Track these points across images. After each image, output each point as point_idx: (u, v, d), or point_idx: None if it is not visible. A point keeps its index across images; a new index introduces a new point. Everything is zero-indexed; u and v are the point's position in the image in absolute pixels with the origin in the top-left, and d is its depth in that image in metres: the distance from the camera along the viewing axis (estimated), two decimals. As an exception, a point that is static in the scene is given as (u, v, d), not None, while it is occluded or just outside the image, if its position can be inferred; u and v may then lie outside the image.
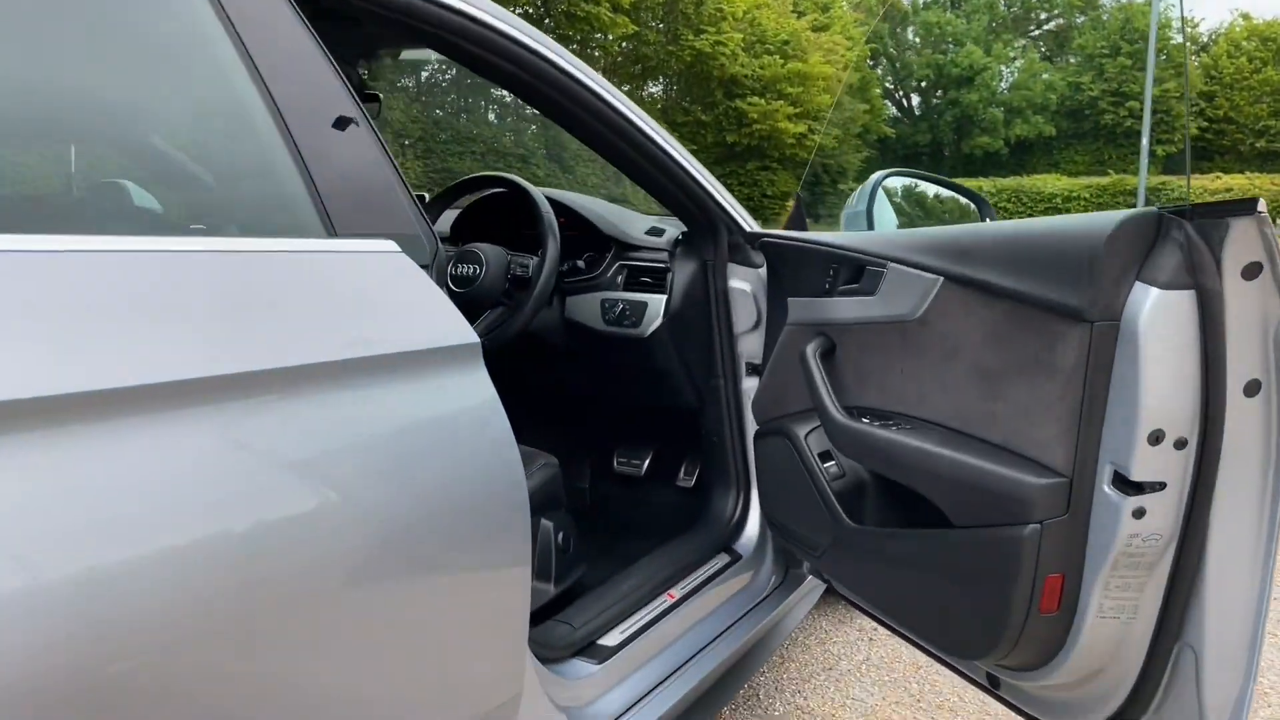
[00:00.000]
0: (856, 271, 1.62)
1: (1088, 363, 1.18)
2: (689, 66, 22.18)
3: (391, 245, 1.13)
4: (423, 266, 1.19)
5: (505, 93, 21.63)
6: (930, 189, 2.17)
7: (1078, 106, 34.15)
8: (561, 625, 1.62)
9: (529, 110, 21.85)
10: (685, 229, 2.10)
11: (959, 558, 1.36)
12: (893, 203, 2.15)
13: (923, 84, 37.02)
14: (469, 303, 1.95)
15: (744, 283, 2.08)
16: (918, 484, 1.42)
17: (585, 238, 2.19)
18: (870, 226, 1.88)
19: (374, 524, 0.99)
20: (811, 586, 2.21)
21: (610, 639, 1.66)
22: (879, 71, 34.72)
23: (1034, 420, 1.26)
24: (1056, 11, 38.13)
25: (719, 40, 22.10)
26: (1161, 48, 29.56)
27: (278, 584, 0.88)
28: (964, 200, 2.03)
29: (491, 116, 20.93)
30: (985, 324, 1.34)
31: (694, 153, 1.93)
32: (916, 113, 37.48)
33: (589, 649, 1.62)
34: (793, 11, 26.22)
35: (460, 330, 1.16)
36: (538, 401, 2.61)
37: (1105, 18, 35.55)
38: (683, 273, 2.06)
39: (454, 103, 20.02)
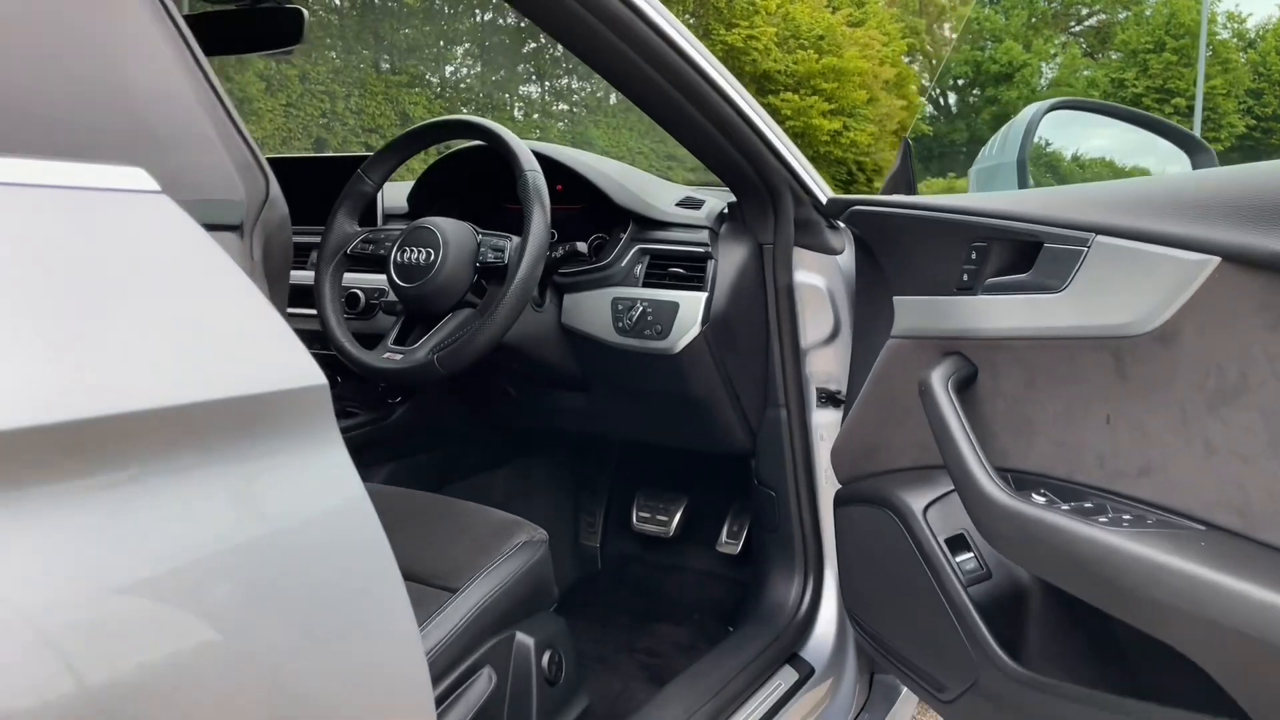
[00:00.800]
0: (1023, 253, 1.00)
1: None
2: (721, 61, 21.59)
3: (136, 179, 0.53)
4: (227, 229, 0.59)
5: (533, 90, 21.13)
6: (1076, 141, 1.53)
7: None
8: (538, 826, 1.01)
9: (557, 106, 21.36)
10: (733, 199, 1.49)
11: None
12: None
13: (960, 81, 36.15)
14: (421, 303, 1.36)
15: (816, 275, 1.46)
16: (1164, 630, 0.80)
17: (591, 212, 1.58)
18: (1024, 184, 1.25)
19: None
20: (905, 699, 1.59)
21: None
22: (915, 68, 33.93)
23: None
24: (1098, 7, 37.15)
25: (751, 35, 21.46)
26: (1208, 43, 28.64)
27: None
28: (1146, 157, 1.38)
29: (518, 113, 20.38)
30: None
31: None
32: (953, 110, 36.62)
33: None
34: (827, 6, 25.54)
35: (288, 359, 0.56)
36: (524, 435, 2.01)
37: (1148, 13, 34.56)
38: (730, 261, 1.44)
39: (480, 99, 19.48)
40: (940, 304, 1.10)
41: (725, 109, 1.26)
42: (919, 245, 1.14)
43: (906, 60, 32.02)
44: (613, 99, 20.41)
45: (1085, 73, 34.73)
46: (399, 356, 1.34)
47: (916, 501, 1.14)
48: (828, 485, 1.47)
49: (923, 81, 35.48)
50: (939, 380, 1.05)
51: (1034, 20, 36.89)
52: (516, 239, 1.33)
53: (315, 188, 1.71)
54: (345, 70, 16.22)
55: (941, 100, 37.36)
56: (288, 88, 14.88)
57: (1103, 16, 37.33)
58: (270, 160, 1.85)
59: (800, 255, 1.46)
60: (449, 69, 19.34)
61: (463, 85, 19.62)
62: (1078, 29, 38.25)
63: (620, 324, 1.46)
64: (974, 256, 1.05)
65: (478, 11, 19.47)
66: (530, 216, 1.29)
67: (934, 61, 36.46)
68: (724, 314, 1.42)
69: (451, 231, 1.35)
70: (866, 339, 1.30)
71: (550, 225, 1.34)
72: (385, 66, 17.37)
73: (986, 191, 1.36)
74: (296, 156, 1.82)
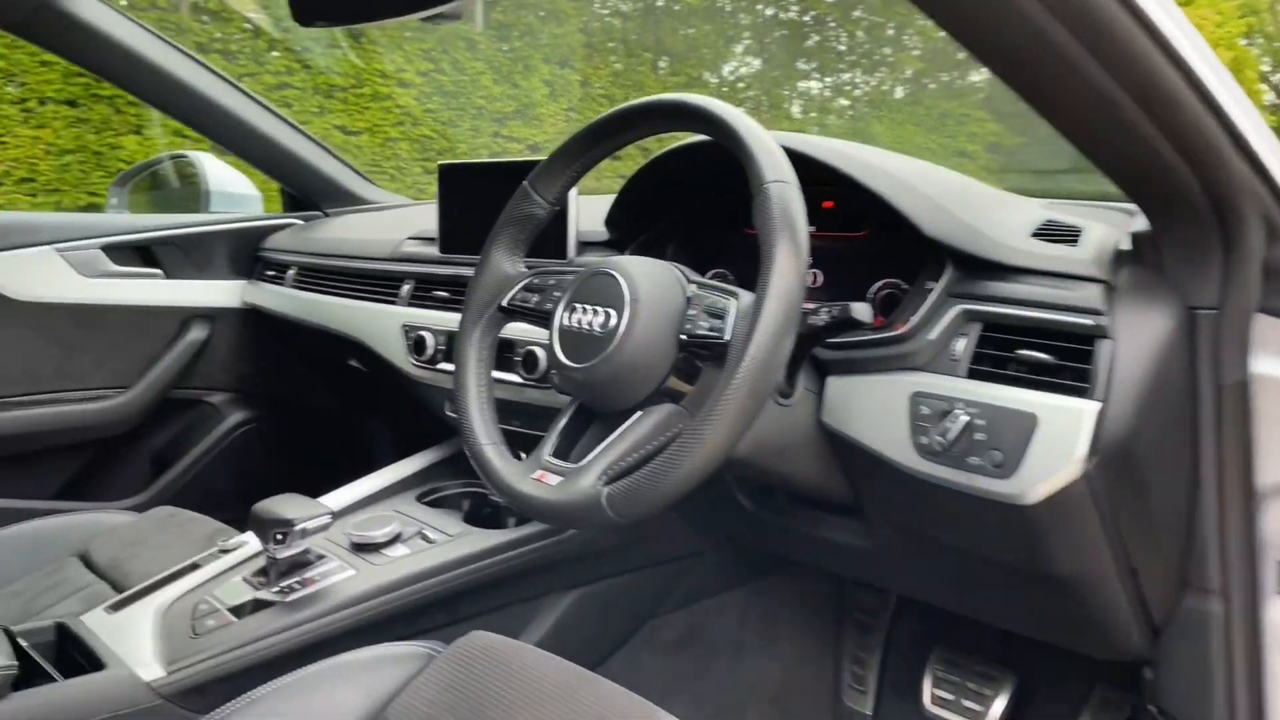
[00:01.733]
0: None
1: None
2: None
3: None
4: None
5: (813, 85, 20.32)
6: None
7: None
8: None
9: (837, 102, 20.46)
10: (1139, 227, 0.85)
11: None
12: None
13: (1308, 64, 31.56)
14: (594, 393, 0.85)
15: (1298, 365, 0.81)
16: None
17: (881, 243, 0.99)
18: None
19: None
20: None
21: None
22: (1254, 51, 30.00)
23: None
24: None
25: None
26: None
27: None
28: None
29: (795, 110, 19.73)
30: None
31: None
32: (1298, 98, 32.00)
33: None
34: (1148, -15, 23.04)
35: None
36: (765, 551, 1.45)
37: None
38: (1137, 339, 0.80)
39: (757, 97, 19.03)
40: None
41: (1156, 61, 0.64)
42: None
43: (1244, 43, 28.38)
44: (899, 91, 19.28)
45: None
46: (554, 480, 0.82)
47: None
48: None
49: (1262, 67, 31.37)
50: None
51: None
52: (747, 296, 0.78)
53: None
54: (624, 74, 16.28)
55: (1284, 86, 32.92)
56: (569, 93, 15.09)
57: None
58: (446, 167, 1.29)
59: (1265, 327, 0.80)
60: (727, 68, 19.02)
61: (740, 84, 19.26)
62: None
63: (925, 438, 0.86)
64: None
65: (760, 6, 19.03)
66: (772, 259, 0.73)
67: (1276, 44, 32.07)
68: (1127, 439, 0.78)
69: (645, 281, 0.82)
70: None
71: (810, 266, 0.78)
72: (663, 68, 17.33)
73: None
74: (480, 162, 1.36)
